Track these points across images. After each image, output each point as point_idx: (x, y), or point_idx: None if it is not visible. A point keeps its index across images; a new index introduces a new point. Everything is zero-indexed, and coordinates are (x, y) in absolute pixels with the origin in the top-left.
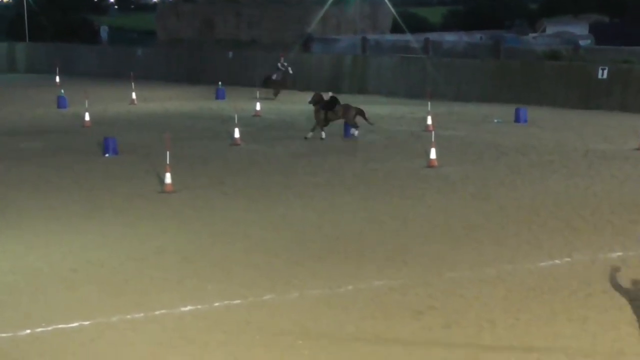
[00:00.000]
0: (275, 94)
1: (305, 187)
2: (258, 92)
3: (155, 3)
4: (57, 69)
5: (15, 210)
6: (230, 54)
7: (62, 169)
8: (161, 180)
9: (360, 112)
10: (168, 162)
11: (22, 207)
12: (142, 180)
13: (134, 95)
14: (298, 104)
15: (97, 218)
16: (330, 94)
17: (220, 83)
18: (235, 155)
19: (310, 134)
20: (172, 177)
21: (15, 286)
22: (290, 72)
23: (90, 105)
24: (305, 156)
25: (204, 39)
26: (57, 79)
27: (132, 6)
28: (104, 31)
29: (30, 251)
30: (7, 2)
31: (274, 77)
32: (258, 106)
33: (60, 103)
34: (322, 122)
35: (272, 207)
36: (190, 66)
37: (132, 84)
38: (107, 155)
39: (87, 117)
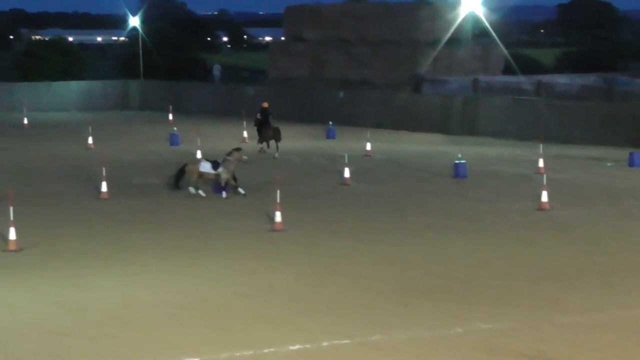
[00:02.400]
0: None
1: (415, 227)
2: (369, 132)
3: (267, 42)
4: (170, 106)
5: (128, 245)
6: (342, 93)
7: (173, 205)
8: (271, 218)
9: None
10: (278, 201)
11: (134, 242)
12: (252, 218)
13: (245, 133)
14: (408, 144)
15: (208, 255)
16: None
17: (330, 122)
18: (344, 194)
19: None
20: (282, 215)
21: (126, 320)
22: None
23: (202, 143)
24: (415, 196)
25: (314, 78)
26: (170, 116)
27: (245, 45)
28: (216, 69)
29: (142, 286)
30: (123, 41)
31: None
32: (368, 146)
33: (173, 140)
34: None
35: (380, 246)
36: (300, 105)
37: (244, 122)
38: (218, 193)
39: (199, 154)
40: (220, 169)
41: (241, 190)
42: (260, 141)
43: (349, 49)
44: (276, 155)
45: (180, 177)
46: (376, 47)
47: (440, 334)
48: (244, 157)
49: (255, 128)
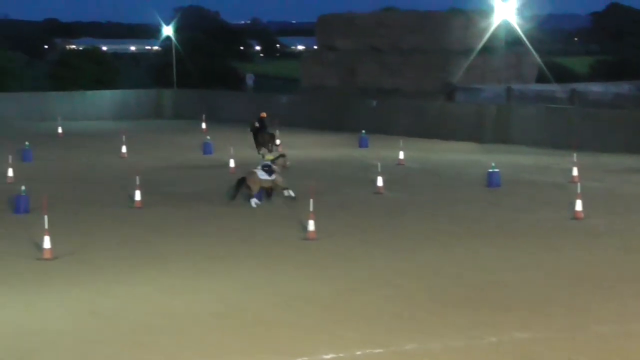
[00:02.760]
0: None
1: (447, 236)
2: (402, 141)
3: (299, 51)
4: (203, 115)
5: (162, 253)
6: (374, 102)
7: (207, 215)
8: (304, 226)
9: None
10: (311, 210)
11: (168, 251)
12: (285, 227)
13: (278, 141)
14: (442, 153)
15: (240, 263)
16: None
17: (363, 131)
18: (377, 203)
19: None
20: (315, 224)
21: (159, 329)
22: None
23: (235, 151)
24: (448, 205)
25: (346, 86)
26: (203, 125)
27: (277, 54)
28: (249, 78)
29: (176, 294)
30: (157, 50)
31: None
32: (401, 154)
33: (206, 149)
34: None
35: (413, 255)
36: (333, 113)
37: (277, 130)
38: (254, 201)
39: (232, 163)
40: (274, 175)
41: (291, 193)
42: (258, 148)
43: (382, 58)
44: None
45: (239, 189)
46: (409, 56)
47: (475, 343)
48: (288, 163)
49: (252, 134)
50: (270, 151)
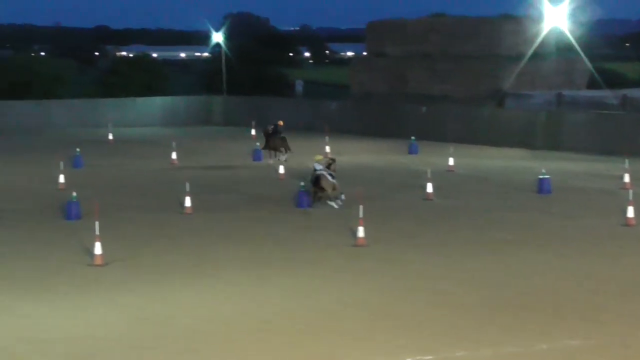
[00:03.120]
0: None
1: (497, 243)
2: (452, 147)
3: (349, 57)
4: (253, 122)
5: (212, 260)
6: (424, 108)
7: (257, 221)
8: (353, 233)
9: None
10: (361, 216)
11: (218, 258)
12: (335, 233)
13: (327, 148)
14: (492, 160)
15: (291, 270)
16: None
17: (413, 137)
18: (427, 209)
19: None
20: (365, 231)
21: (210, 335)
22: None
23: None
24: (498, 212)
25: (396, 93)
26: (253, 131)
27: (326, 60)
28: (299, 85)
29: (226, 301)
30: (206, 57)
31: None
32: (451, 161)
33: (256, 155)
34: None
35: (463, 262)
36: (382, 120)
37: (326, 137)
38: (302, 207)
39: (281, 169)
40: (334, 180)
41: (340, 203)
42: (269, 152)
43: (432, 64)
44: (284, 158)
45: (315, 195)
46: (459, 62)
47: (525, 350)
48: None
49: (263, 137)
50: (283, 153)
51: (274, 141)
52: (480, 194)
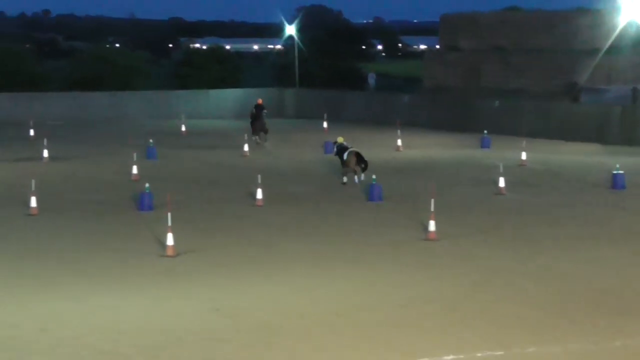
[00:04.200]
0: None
1: (571, 238)
2: (525, 142)
3: (421, 50)
4: (325, 114)
5: (283, 253)
6: (497, 102)
7: (328, 214)
8: (425, 227)
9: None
10: (432, 210)
11: (289, 251)
12: (405, 227)
13: (399, 141)
14: (565, 154)
15: (362, 263)
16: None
17: (485, 131)
18: (499, 204)
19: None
20: (436, 225)
21: (281, 327)
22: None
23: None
24: (571, 207)
25: (469, 87)
26: (325, 124)
27: (399, 53)
28: (371, 78)
29: (297, 294)
30: (279, 49)
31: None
32: (524, 155)
33: (327, 148)
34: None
35: (535, 257)
36: (455, 114)
37: (398, 130)
38: (372, 201)
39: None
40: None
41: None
42: (253, 134)
43: (506, 58)
44: (266, 144)
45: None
46: (533, 56)
47: (598, 347)
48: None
49: (250, 121)
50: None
51: (254, 124)
52: (553, 189)
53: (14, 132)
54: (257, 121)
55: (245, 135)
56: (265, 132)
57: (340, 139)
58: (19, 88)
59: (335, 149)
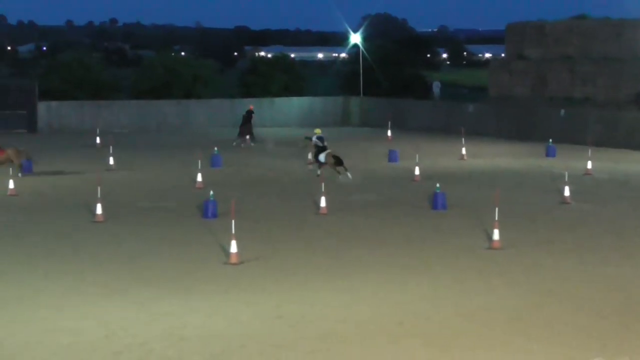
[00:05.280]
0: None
1: (636, 248)
2: (590, 150)
3: (487, 59)
4: (389, 123)
5: (348, 260)
6: (563, 111)
7: (392, 222)
8: (489, 236)
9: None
10: (496, 219)
11: (353, 259)
12: (469, 236)
13: (463, 150)
14: (632, 164)
15: (426, 272)
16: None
17: (550, 140)
18: (564, 213)
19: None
20: (500, 234)
21: (344, 335)
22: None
23: (420, 160)
24: (636, 217)
25: (535, 95)
26: (389, 132)
27: (464, 62)
28: (436, 86)
29: (360, 302)
30: (344, 57)
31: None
32: (589, 164)
33: (391, 157)
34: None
35: (601, 267)
36: (520, 123)
37: (462, 139)
38: (436, 210)
39: (416, 171)
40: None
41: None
42: (239, 136)
43: (572, 67)
44: (252, 144)
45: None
46: (600, 64)
47: None
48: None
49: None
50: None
51: (243, 129)
52: (619, 199)
53: (81, 140)
54: (244, 125)
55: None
56: (252, 135)
57: (317, 131)
58: (87, 96)
59: (314, 140)
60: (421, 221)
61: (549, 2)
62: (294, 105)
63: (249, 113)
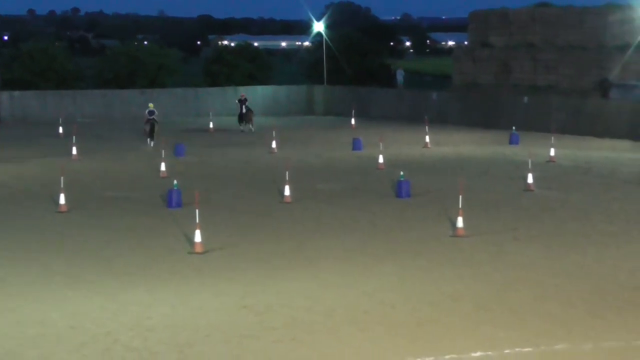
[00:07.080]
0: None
1: (601, 235)
2: (553, 138)
3: (450, 47)
4: (353, 111)
5: (312, 249)
6: (526, 99)
7: (357, 210)
8: (453, 224)
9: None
10: (460, 207)
11: (318, 247)
12: (434, 224)
13: (427, 138)
14: (594, 151)
15: (391, 260)
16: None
17: (514, 128)
18: (528, 201)
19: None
20: (464, 222)
21: (309, 324)
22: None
23: (385, 148)
24: (602, 203)
25: (499, 83)
26: (353, 121)
27: (427, 50)
28: (400, 75)
29: (327, 291)
30: (308, 46)
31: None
32: (552, 152)
33: (356, 145)
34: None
35: (566, 254)
36: (484, 111)
37: (426, 127)
38: (401, 198)
39: (380, 159)
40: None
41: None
42: (246, 123)
43: (536, 54)
44: (252, 128)
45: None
46: (563, 52)
47: (628, 345)
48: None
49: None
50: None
51: (244, 116)
52: (583, 185)
53: (44, 130)
54: (245, 113)
55: (274, 132)
56: (249, 120)
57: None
58: (50, 86)
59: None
60: (386, 209)
61: None
62: (258, 94)
63: (242, 101)
